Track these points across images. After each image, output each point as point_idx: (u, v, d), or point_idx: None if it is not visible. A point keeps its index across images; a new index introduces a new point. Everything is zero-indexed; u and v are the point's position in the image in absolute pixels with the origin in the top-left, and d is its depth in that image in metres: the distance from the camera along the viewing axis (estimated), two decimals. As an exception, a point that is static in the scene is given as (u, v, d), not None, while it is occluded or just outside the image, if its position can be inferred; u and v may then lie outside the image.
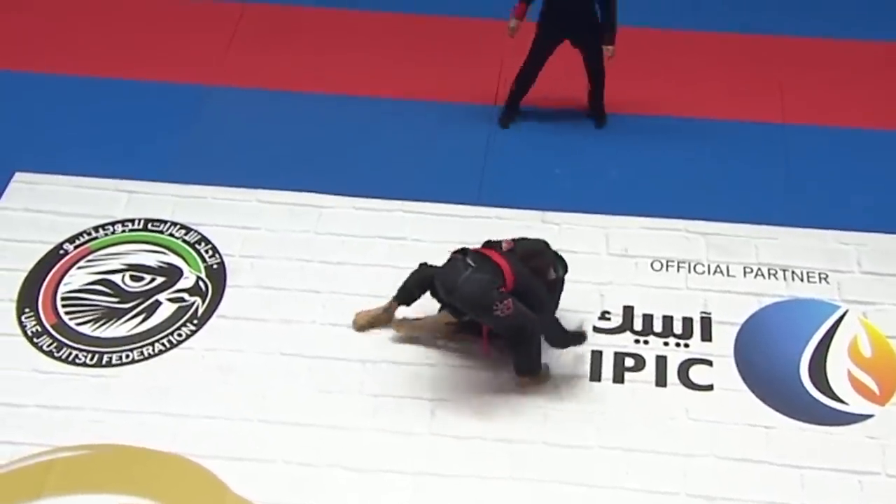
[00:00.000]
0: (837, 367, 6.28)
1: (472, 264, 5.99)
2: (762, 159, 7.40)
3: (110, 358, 6.39)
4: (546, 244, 6.33)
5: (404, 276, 6.45)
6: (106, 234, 7.00)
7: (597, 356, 6.34)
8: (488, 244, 6.22)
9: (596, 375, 6.27)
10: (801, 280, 6.69)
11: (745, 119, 7.64)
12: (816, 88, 7.83)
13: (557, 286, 6.28)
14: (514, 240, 6.23)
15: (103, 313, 6.61)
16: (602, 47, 7.24)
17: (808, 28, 8.26)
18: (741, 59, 7.95)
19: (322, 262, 6.84)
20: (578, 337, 6.26)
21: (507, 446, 5.99)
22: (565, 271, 6.30)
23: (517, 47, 7.44)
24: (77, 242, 6.96)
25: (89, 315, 6.61)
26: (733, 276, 6.73)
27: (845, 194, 7.17)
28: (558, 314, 6.23)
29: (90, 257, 6.88)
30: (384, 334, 6.45)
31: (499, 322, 5.99)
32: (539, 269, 6.12)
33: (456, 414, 6.10)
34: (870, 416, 6.09)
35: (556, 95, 7.17)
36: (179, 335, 6.50)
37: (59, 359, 6.38)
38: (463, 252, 6.12)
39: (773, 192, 7.20)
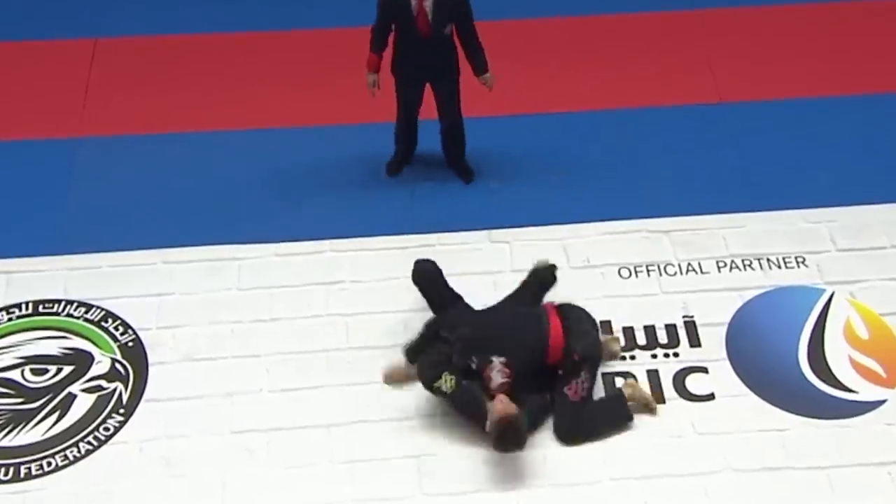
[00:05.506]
0: (838, 355, 6.31)
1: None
2: (707, 143, 7.41)
3: (29, 468, 6.01)
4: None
5: (351, 323, 6.36)
6: (-9, 326, 6.53)
7: (585, 382, 6.23)
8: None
9: (588, 402, 6.16)
10: (779, 267, 6.72)
11: (679, 103, 7.65)
12: (747, 61, 7.90)
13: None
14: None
15: (8, 418, 6.20)
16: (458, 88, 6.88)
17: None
18: (662, 39, 7.97)
19: (254, 321, 6.54)
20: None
21: (512, 495, 5.79)
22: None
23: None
24: (-42, 340, 6.46)
25: (-8, 423, 6.16)
26: (707, 273, 6.71)
27: (801, 170, 7.23)
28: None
29: (-23, 355, 6.41)
30: (346, 392, 6.19)
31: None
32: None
33: (446, 468, 5.89)
34: (883, 402, 6.12)
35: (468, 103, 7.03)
36: (107, 429, 6.14)
37: (-33, 479, 5.92)
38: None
39: (726, 176, 7.21)
